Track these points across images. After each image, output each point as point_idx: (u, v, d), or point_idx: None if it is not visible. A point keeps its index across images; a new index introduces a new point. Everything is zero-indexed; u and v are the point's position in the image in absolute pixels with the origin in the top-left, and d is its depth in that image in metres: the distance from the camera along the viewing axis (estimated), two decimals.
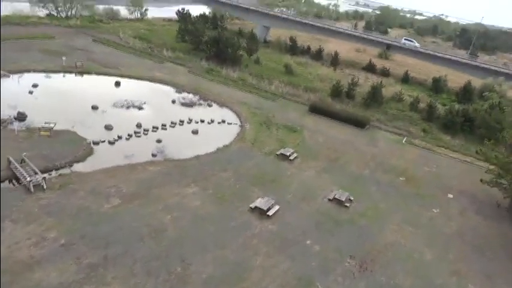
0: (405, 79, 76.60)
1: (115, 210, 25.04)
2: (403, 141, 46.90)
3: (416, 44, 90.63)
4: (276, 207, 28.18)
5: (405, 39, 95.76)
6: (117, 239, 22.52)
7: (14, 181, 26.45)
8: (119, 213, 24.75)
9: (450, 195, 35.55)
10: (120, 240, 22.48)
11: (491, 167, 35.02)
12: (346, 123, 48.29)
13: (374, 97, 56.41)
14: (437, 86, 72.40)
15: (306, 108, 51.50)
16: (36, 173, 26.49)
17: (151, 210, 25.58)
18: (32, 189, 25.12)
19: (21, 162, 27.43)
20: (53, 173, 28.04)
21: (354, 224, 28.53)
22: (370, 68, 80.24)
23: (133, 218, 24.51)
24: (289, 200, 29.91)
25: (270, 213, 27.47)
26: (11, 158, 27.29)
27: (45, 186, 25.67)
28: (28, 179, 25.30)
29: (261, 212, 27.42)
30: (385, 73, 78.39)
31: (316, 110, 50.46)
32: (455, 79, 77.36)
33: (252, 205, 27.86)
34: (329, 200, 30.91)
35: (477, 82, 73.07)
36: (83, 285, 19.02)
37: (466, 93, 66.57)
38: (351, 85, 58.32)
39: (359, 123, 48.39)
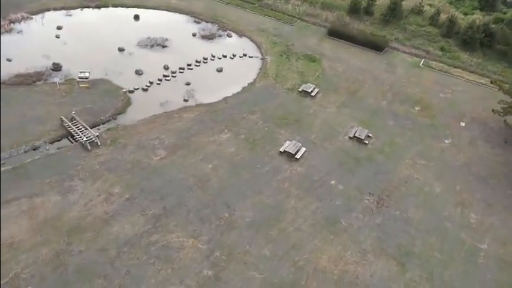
0: None
1: (162, 162, 28.67)
2: (421, 64, 47.75)
3: None
4: (303, 150, 31.45)
5: None
6: (170, 191, 26.49)
7: (70, 138, 29.82)
8: (167, 166, 28.40)
9: (462, 124, 37.98)
10: (173, 191, 26.44)
11: (504, 95, 36.62)
12: (364, 47, 48.79)
13: (393, 13, 55.34)
14: None
15: (324, 31, 51.51)
16: (86, 129, 29.76)
17: (193, 161, 29.15)
18: (89, 147, 28.58)
19: (71, 120, 30.52)
20: (101, 128, 31.19)
21: (372, 161, 31.90)
22: None
23: (180, 170, 28.22)
24: (313, 141, 32.98)
25: (298, 155, 30.86)
26: (63, 118, 30.31)
27: (99, 143, 29.07)
28: (84, 138, 28.61)
29: (290, 155, 30.81)
30: None
31: (334, 33, 50.54)
32: None
33: (282, 149, 31.15)
34: (349, 138, 33.88)
35: None
36: (153, 234, 23.48)
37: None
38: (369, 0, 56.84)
39: (377, 47, 48.82)
